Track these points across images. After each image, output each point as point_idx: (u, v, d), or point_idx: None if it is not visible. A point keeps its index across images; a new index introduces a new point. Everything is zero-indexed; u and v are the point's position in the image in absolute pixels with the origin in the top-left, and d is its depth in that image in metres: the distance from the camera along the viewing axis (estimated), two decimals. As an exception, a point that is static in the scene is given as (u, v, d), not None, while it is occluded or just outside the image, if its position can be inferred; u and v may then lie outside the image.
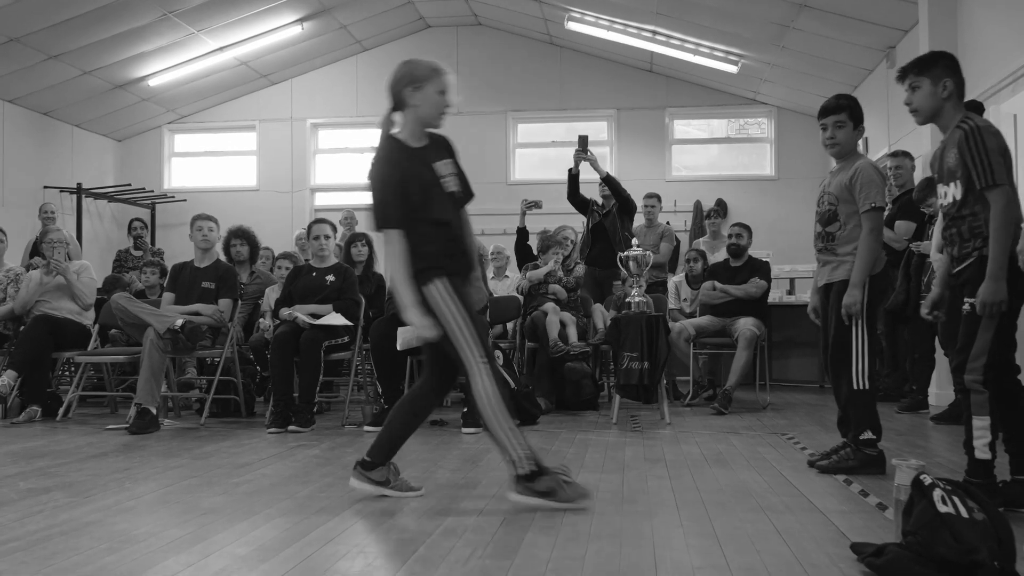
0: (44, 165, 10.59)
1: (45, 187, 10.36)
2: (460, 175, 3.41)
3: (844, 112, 3.99)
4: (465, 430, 5.36)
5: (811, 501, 3.31)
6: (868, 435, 3.91)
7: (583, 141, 7.37)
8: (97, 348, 6.50)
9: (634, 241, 6.21)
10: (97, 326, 6.55)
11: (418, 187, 3.27)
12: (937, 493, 2.42)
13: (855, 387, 3.91)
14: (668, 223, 9.14)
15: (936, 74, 3.35)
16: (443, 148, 3.42)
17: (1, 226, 7.18)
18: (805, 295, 8.26)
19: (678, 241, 9.44)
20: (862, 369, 3.89)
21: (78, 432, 5.52)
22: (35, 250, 8.22)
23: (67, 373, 7.39)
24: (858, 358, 3.89)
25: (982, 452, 3.20)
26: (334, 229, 6.38)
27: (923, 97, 3.38)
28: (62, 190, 10.60)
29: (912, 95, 3.42)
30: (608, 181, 7.40)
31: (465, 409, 5.48)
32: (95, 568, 2.44)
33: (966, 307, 3.25)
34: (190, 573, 2.39)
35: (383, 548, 2.74)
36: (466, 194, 3.43)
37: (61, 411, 6.18)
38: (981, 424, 3.20)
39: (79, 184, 10.79)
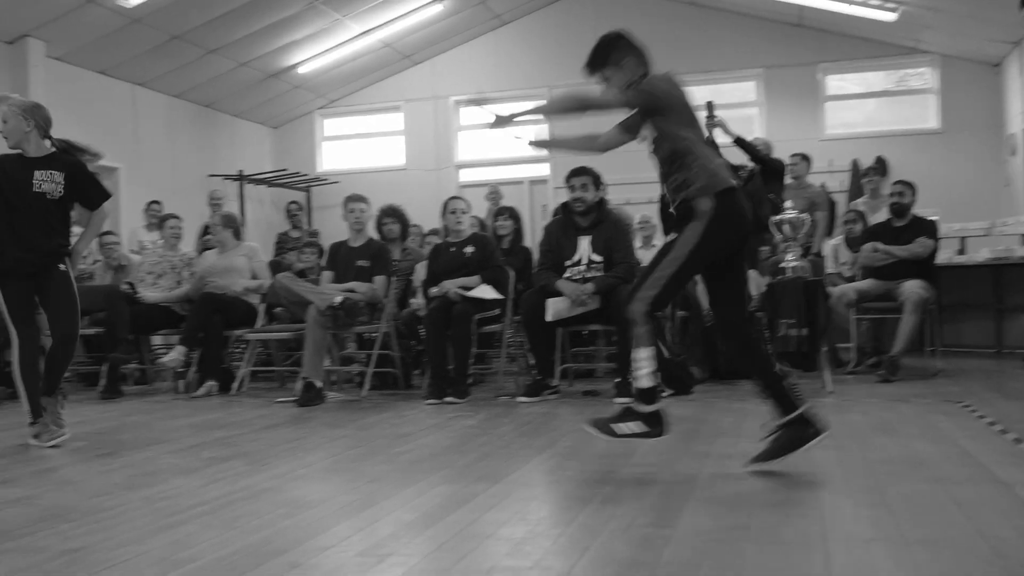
0: (208, 154, 11.19)
1: (210, 175, 10.94)
2: (68, 183, 4.28)
3: None
4: (618, 400, 5.33)
5: (992, 471, 3.11)
6: None
7: (710, 107, 7.21)
8: (264, 326, 6.84)
9: (788, 203, 5.98)
10: (264, 305, 6.90)
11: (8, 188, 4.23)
12: None
13: None
14: (824, 185, 8.78)
15: (615, 58, 3.36)
16: (57, 163, 4.31)
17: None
18: (978, 254, 7.78)
19: (834, 203, 9.05)
20: None
21: (251, 405, 5.84)
22: (204, 235, 8.75)
23: (238, 350, 7.82)
24: None
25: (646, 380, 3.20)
26: (469, 205, 6.48)
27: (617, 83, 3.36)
28: (225, 177, 11.18)
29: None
30: (740, 144, 7.17)
31: (618, 379, 5.45)
32: (274, 531, 2.57)
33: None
34: (361, 537, 2.49)
35: (543, 515, 2.76)
36: (67, 197, 4.31)
37: (235, 386, 6.55)
38: (645, 355, 3.18)
39: (240, 171, 11.35)
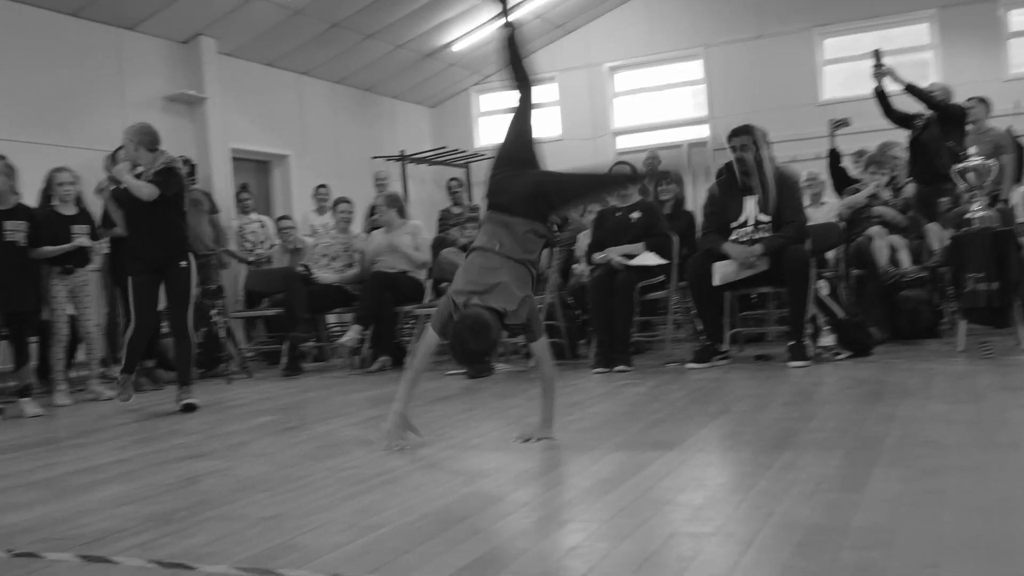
0: (370, 137, 11.53)
1: (373, 157, 11.28)
2: (157, 182, 5.01)
3: None
4: (792, 363, 5.16)
5: None
6: None
7: (877, 55, 6.88)
8: (432, 301, 7.02)
9: (972, 149, 5.57)
10: (431, 281, 7.08)
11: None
12: None
13: None
14: (1010, 129, 8.13)
15: None
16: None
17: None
18: None
19: (1022, 147, 8.37)
20: None
21: (422, 377, 5.99)
22: (371, 215, 9.04)
23: (408, 325, 8.06)
24: None
25: None
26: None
27: None
28: (388, 158, 11.50)
29: None
30: (912, 91, 6.73)
31: (791, 343, 5.27)
32: (457, 498, 2.63)
33: None
34: (542, 502, 2.52)
35: (722, 481, 2.71)
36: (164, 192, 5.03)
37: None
38: None
39: (402, 151, 11.65)
